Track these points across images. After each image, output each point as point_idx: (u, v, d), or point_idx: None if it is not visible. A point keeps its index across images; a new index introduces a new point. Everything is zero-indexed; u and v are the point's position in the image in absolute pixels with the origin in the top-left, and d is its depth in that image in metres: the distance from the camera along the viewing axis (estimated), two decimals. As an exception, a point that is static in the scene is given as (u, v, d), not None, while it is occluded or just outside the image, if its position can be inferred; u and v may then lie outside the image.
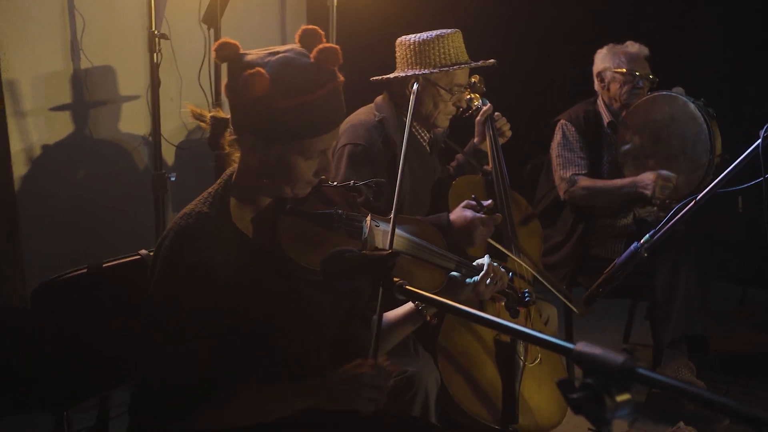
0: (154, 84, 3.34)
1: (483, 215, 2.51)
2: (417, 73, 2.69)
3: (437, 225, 2.55)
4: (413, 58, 2.72)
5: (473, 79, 3.09)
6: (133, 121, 3.83)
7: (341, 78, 1.68)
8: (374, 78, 2.82)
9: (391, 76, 2.77)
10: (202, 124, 1.81)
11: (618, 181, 3.42)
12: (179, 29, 3.83)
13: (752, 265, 4.74)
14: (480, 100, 3.03)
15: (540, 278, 2.74)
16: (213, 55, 1.70)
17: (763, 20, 4.63)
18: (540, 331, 2.73)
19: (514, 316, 2.27)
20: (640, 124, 3.40)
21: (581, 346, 0.95)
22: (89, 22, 3.53)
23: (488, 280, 2.08)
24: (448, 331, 2.53)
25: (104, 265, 2.06)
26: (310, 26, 1.72)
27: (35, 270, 3.38)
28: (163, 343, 1.63)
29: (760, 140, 2.14)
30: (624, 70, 3.53)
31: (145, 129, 3.83)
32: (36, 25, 3.35)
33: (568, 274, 3.52)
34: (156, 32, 3.29)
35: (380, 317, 1.76)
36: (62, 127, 3.53)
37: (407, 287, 1.38)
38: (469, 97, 3.07)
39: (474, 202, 2.53)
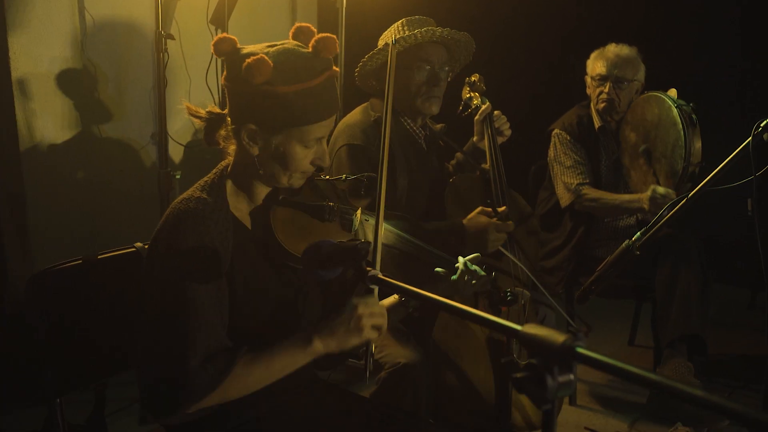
0: (160, 84, 3.40)
1: (497, 221, 2.56)
2: (368, 55, 2.72)
3: (451, 229, 2.58)
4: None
5: (473, 78, 3.11)
6: (141, 120, 3.89)
7: (336, 68, 1.76)
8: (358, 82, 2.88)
9: (356, 72, 2.82)
10: (197, 120, 1.84)
11: (626, 197, 3.41)
12: (188, 30, 3.89)
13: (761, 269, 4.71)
14: (480, 99, 3.05)
15: (531, 277, 2.74)
16: (212, 49, 1.74)
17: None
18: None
19: (496, 313, 2.29)
20: (636, 122, 3.41)
21: (527, 328, 0.98)
22: (98, 21, 3.59)
23: (466, 278, 2.10)
24: (442, 328, 2.55)
25: (99, 257, 2.11)
26: (303, 24, 1.79)
27: (43, 266, 3.42)
28: (170, 328, 1.62)
29: (750, 138, 2.14)
30: (593, 74, 3.56)
31: (153, 128, 3.89)
32: (45, 24, 3.41)
33: (566, 276, 3.54)
34: (163, 32, 3.35)
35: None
36: (71, 125, 3.59)
37: (379, 276, 1.41)
38: (468, 96, 3.09)
39: (489, 209, 2.57)
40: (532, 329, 0.97)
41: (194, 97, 3.99)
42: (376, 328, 1.67)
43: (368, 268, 1.43)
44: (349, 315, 1.66)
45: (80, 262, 2.08)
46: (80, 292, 2.04)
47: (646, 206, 3.23)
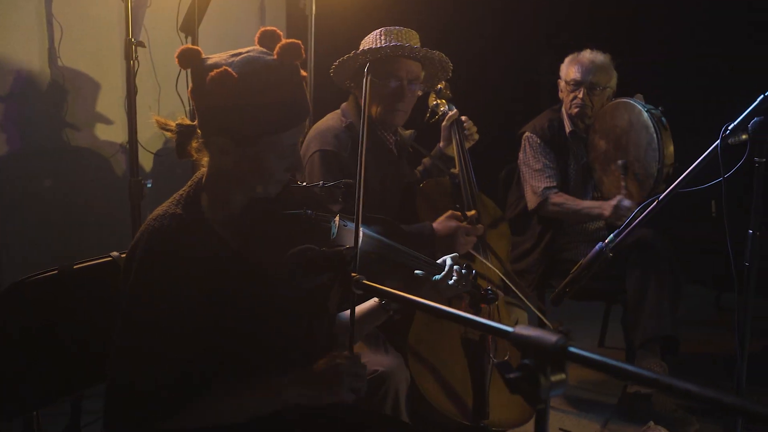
0: (131, 91, 3.36)
1: (467, 225, 2.60)
2: (340, 60, 2.71)
3: (421, 233, 2.60)
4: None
5: (439, 86, 3.14)
6: (110, 129, 3.85)
7: (304, 72, 1.74)
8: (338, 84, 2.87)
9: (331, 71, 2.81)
10: (168, 133, 1.81)
11: (587, 204, 3.49)
12: (157, 37, 3.86)
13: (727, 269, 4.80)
14: (446, 106, 3.09)
15: (505, 279, 2.78)
16: (175, 61, 1.71)
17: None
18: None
19: (476, 312, 2.32)
20: (605, 129, 3.46)
21: (520, 329, 0.99)
22: (66, 29, 3.55)
23: (450, 280, 2.10)
24: (418, 331, 2.56)
25: (75, 267, 2.08)
26: (269, 27, 1.76)
27: (12, 276, 3.37)
28: (143, 344, 1.62)
29: (719, 141, 2.18)
30: (567, 79, 3.60)
31: (123, 136, 3.85)
32: (13, 31, 3.37)
33: (536, 279, 3.59)
34: (133, 40, 3.32)
35: (352, 312, 1.76)
36: (40, 134, 3.54)
37: (364, 281, 1.42)
38: (435, 102, 3.13)
39: (458, 213, 2.60)
40: (524, 330, 0.99)
41: (164, 105, 3.97)
42: (354, 389, 1.67)
43: (353, 274, 1.44)
44: (329, 371, 1.67)
45: (56, 272, 2.05)
46: (57, 302, 2.00)
47: (607, 213, 3.29)
